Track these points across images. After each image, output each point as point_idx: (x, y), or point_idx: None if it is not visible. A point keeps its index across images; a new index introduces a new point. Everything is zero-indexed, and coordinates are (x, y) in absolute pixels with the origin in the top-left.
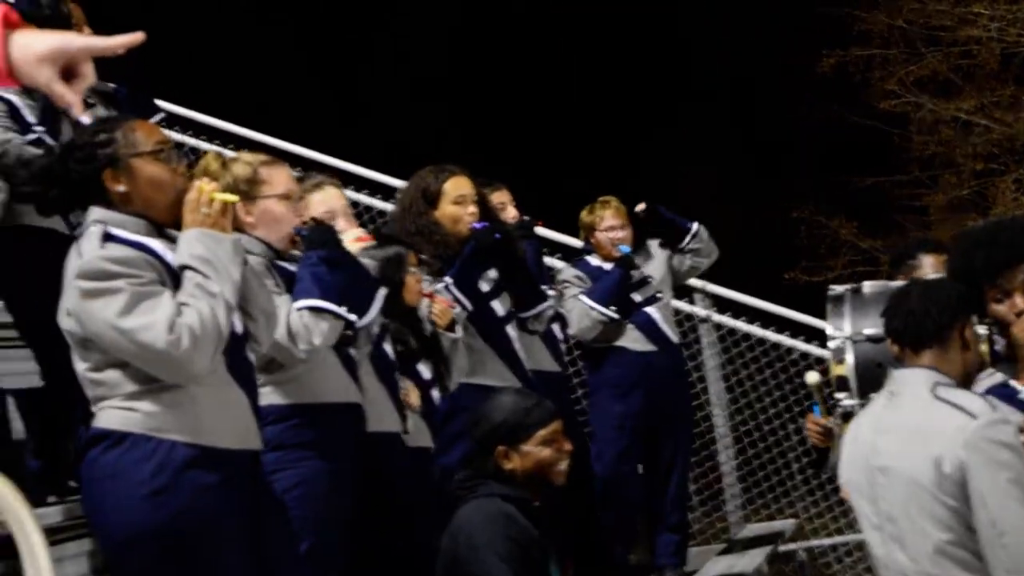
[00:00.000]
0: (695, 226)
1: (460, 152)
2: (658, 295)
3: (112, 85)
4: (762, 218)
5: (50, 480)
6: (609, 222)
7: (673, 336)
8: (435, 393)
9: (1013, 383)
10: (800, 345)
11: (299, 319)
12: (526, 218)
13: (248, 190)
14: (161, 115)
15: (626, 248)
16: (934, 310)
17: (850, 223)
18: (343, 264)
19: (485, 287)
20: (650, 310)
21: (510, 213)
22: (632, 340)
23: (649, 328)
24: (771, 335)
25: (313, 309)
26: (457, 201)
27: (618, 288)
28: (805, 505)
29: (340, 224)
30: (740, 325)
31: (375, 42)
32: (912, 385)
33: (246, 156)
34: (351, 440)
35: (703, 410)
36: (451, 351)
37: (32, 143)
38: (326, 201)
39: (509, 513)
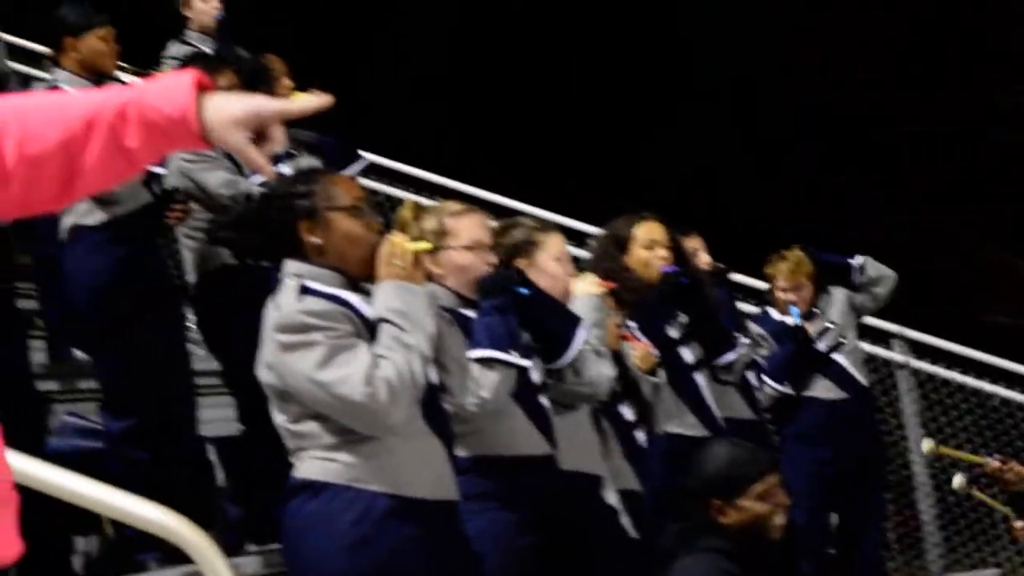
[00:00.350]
0: (857, 260)
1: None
2: (843, 339)
3: (314, 134)
4: (961, 259)
5: (250, 528)
6: (782, 282)
7: (863, 380)
8: (640, 435)
9: None
10: (1000, 391)
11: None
12: (719, 265)
13: (435, 241)
14: (364, 163)
15: (796, 313)
16: None
17: None
18: (525, 309)
19: (674, 333)
20: (838, 356)
21: (703, 259)
22: (822, 389)
23: (839, 375)
24: (971, 381)
25: (481, 360)
26: (647, 245)
27: (790, 363)
28: (1009, 554)
29: (568, 268)
30: (939, 371)
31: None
32: None
33: (446, 206)
34: (534, 491)
35: (902, 458)
36: (653, 396)
37: (262, 185)
38: (557, 246)
39: (729, 570)
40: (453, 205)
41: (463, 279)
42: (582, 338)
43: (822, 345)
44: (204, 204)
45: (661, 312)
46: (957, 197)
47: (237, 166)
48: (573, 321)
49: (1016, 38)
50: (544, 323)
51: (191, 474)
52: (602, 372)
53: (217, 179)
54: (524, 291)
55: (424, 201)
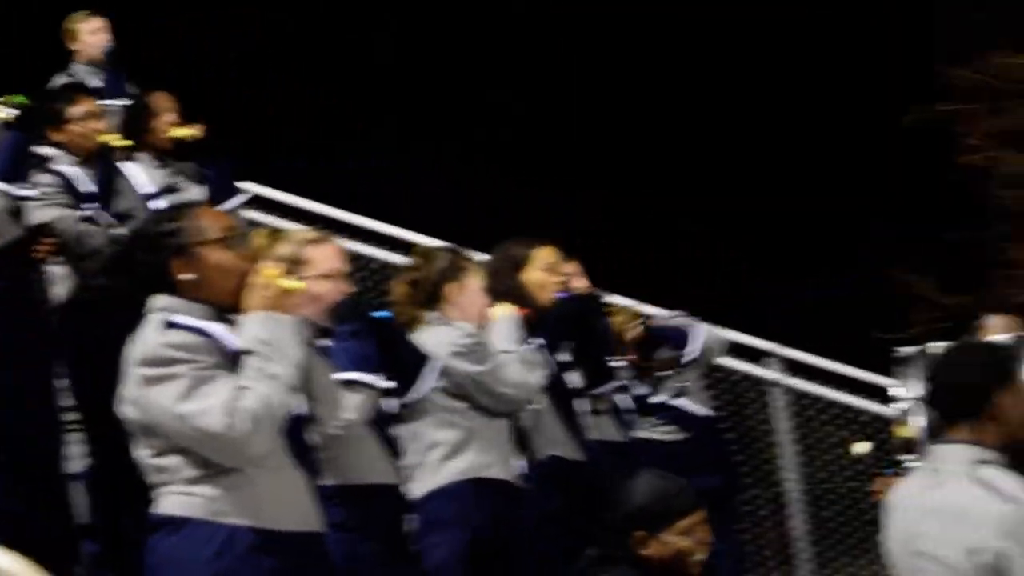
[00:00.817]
0: (686, 358)
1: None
2: (685, 383)
3: (196, 166)
4: (842, 277)
5: (109, 562)
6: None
7: (704, 411)
8: (517, 462)
9: None
10: (874, 407)
11: None
12: (595, 291)
13: (292, 270)
14: (244, 197)
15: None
16: (965, 380)
17: (933, 279)
18: (378, 336)
19: (562, 358)
20: (677, 401)
21: (581, 284)
22: (660, 432)
23: (677, 417)
24: (843, 397)
25: (345, 382)
26: (545, 269)
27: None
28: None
29: (486, 298)
30: (811, 388)
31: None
32: (951, 463)
33: (302, 233)
34: (387, 521)
35: (776, 475)
36: (531, 421)
37: (85, 219)
38: (481, 274)
39: None
40: (309, 233)
41: (318, 308)
42: (431, 378)
43: (658, 398)
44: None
45: (557, 336)
46: (843, 212)
47: (73, 195)
48: (421, 358)
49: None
50: (396, 352)
51: (52, 512)
52: (528, 379)
53: (45, 216)
54: (383, 315)
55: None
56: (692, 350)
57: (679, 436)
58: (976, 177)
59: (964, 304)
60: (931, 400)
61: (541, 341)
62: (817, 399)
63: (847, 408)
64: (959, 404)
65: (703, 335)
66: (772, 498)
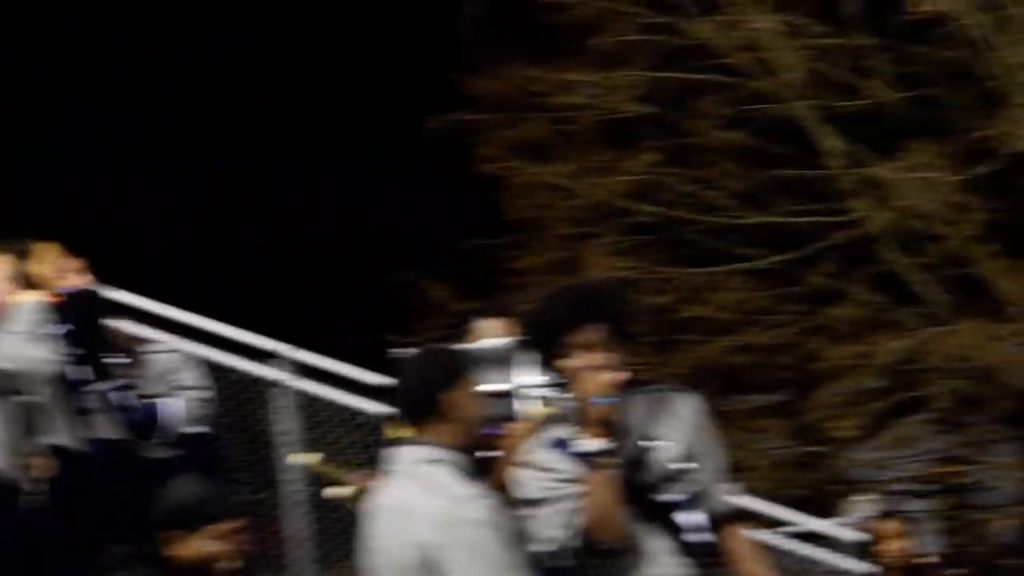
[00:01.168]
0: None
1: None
2: None
3: None
4: (358, 283)
5: None
6: None
7: (190, 428)
8: None
9: (569, 437)
10: (377, 408)
11: None
12: (97, 288)
13: None
14: None
15: None
16: (416, 383)
17: (446, 286)
18: None
19: (68, 351)
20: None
21: (82, 280)
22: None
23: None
24: (350, 399)
25: None
26: (48, 263)
27: None
28: None
29: (14, 285)
30: (311, 388)
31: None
32: (403, 463)
33: None
34: None
35: (280, 476)
36: (34, 412)
37: None
38: (3, 267)
39: None
40: None
41: None
42: None
43: None
44: None
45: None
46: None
47: None
48: None
49: None
50: None
51: None
52: (25, 352)
53: None
54: None
55: None
56: (173, 430)
57: (166, 453)
58: (492, 187)
59: (473, 310)
60: (395, 402)
61: (57, 330)
62: (319, 399)
63: (357, 412)
64: (413, 406)
65: (179, 411)
66: (279, 501)
